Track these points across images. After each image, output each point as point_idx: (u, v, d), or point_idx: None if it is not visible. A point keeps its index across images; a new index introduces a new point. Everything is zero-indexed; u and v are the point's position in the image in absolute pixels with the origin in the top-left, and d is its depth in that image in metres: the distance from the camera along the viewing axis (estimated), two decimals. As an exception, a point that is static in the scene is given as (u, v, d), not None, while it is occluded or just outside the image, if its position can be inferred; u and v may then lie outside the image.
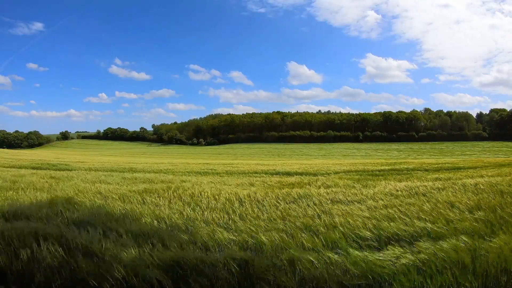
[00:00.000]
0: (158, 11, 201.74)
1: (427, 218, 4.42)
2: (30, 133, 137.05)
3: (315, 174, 12.55)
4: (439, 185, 7.69)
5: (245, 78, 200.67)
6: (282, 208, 5.46)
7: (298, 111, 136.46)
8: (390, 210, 4.98)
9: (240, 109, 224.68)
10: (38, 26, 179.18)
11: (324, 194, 6.72)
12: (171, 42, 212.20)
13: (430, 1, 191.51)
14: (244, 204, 5.78)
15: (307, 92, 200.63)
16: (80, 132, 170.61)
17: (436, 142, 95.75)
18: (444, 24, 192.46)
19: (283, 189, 7.61)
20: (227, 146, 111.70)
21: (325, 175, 11.97)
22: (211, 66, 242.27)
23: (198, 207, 5.59)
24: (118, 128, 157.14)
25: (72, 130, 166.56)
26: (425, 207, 5.16)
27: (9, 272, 3.05)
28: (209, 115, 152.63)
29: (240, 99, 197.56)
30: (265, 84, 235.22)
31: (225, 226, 4.39)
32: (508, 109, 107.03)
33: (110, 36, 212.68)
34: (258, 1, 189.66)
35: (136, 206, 5.70)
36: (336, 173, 13.11)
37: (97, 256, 3.25)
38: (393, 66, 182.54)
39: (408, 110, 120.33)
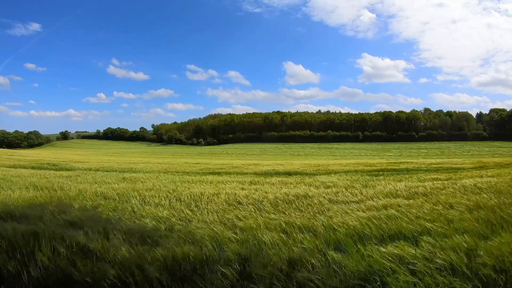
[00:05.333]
0: (154, 12, 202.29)
1: (427, 218, 4.42)
2: (30, 133, 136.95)
3: (314, 174, 12.54)
4: (439, 185, 7.69)
5: (242, 78, 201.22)
6: (281, 208, 5.45)
7: (298, 111, 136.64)
8: (390, 210, 4.98)
9: (238, 109, 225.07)
10: (36, 26, 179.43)
11: (324, 194, 6.72)
12: (168, 42, 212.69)
13: (425, 1, 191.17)
14: (243, 204, 5.78)
15: (305, 92, 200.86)
16: (80, 132, 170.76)
17: (436, 142, 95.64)
18: (440, 23, 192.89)
19: (283, 189, 7.61)
20: (226, 146, 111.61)
21: (325, 175, 11.96)
22: (208, 66, 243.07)
23: (198, 207, 5.59)
24: (118, 128, 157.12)
25: (72, 130, 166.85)
26: (425, 207, 5.16)
27: (7, 272, 3.04)
28: (209, 115, 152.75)
29: (238, 99, 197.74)
30: (262, 84, 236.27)
31: (225, 226, 4.38)
32: (508, 109, 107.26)
33: (107, 37, 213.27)
34: (253, 1, 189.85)
35: (136, 206, 5.70)
36: (336, 173, 13.10)
37: (95, 255, 3.25)
38: (390, 66, 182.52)
39: (406, 110, 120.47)
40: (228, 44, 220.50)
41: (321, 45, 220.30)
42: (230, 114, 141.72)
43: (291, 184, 8.80)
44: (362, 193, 6.77)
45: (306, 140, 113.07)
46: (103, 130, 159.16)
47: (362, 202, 5.93)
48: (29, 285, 2.87)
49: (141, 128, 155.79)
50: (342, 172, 13.50)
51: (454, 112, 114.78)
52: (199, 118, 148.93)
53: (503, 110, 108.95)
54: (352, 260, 3.06)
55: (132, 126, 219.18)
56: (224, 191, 7.13)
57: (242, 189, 7.75)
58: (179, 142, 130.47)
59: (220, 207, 5.60)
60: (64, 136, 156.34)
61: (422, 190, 6.98)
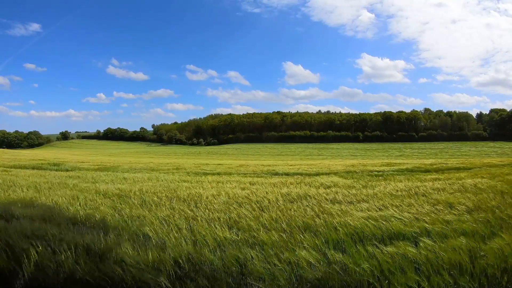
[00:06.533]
0: (154, 12, 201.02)
1: (426, 219, 4.42)
2: (30, 133, 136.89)
3: (314, 174, 12.55)
4: (439, 186, 7.70)
5: (242, 78, 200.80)
6: (281, 208, 5.46)
7: (298, 111, 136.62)
8: (390, 210, 4.99)
9: (238, 109, 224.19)
10: (35, 27, 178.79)
11: (324, 194, 6.72)
12: (167, 42, 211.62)
13: (424, 1, 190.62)
14: (243, 204, 5.79)
15: (305, 92, 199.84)
16: (80, 132, 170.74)
17: (436, 142, 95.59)
18: (440, 23, 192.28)
19: (283, 189, 7.61)
20: (226, 146, 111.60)
21: (325, 175, 11.97)
22: (207, 66, 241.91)
23: (198, 207, 5.59)
24: (118, 128, 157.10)
25: (72, 130, 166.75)
26: (425, 208, 5.17)
27: (8, 272, 3.05)
28: (209, 115, 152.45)
29: (238, 99, 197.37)
30: (262, 84, 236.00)
31: (226, 226, 4.39)
32: (508, 109, 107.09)
33: (106, 37, 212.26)
34: (252, 1, 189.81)
35: (136, 206, 5.71)
36: (336, 173, 13.11)
37: (97, 255, 3.25)
38: (390, 66, 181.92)
39: (406, 110, 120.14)
40: (227, 44, 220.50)
41: (320, 45, 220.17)
42: (230, 114, 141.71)
43: (291, 184, 8.80)
44: (362, 193, 6.78)
45: (306, 140, 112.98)
46: (103, 130, 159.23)
47: (362, 202, 5.94)
48: (28, 284, 2.87)
49: (141, 128, 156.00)
50: (342, 172, 13.51)
51: (454, 112, 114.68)
52: (199, 118, 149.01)
53: (503, 110, 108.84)
54: (354, 260, 3.06)
55: (132, 126, 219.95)
56: (224, 191, 7.14)
57: (243, 189, 7.75)
58: (179, 142, 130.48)
59: (221, 207, 5.61)
60: (64, 136, 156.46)
61: (422, 190, 6.99)
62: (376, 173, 12.83)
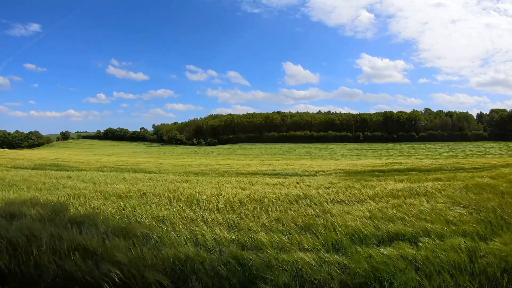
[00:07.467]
0: (153, 12, 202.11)
1: (427, 219, 4.42)
2: (30, 133, 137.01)
3: (315, 175, 12.54)
4: (439, 186, 7.68)
5: (242, 78, 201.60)
6: (281, 208, 5.46)
7: (298, 111, 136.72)
8: (390, 211, 4.98)
9: (238, 109, 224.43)
10: (35, 27, 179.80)
11: (324, 194, 6.72)
12: (167, 42, 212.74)
13: (424, 1, 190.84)
14: (243, 204, 5.78)
15: (305, 92, 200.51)
16: (80, 132, 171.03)
17: (437, 143, 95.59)
18: (440, 23, 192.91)
19: (283, 189, 7.60)
20: (227, 146, 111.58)
21: (325, 176, 11.96)
22: (207, 66, 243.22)
23: (198, 207, 5.59)
24: (118, 128, 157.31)
25: (72, 130, 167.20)
26: (425, 208, 5.15)
27: (9, 272, 3.04)
28: (209, 115, 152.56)
29: (238, 99, 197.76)
30: (262, 84, 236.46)
31: (225, 226, 4.39)
32: (508, 109, 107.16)
33: (106, 37, 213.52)
34: (252, 1, 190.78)
35: (136, 207, 5.70)
36: (336, 173, 13.10)
37: (96, 255, 3.25)
38: (389, 66, 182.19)
39: (406, 110, 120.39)
40: (227, 45, 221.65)
41: (320, 45, 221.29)
42: (230, 114, 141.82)
43: (291, 184, 8.79)
44: (362, 194, 6.76)
45: (306, 140, 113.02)
46: (104, 131, 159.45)
47: (362, 202, 5.93)
48: (32, 285, 2.87)
49: (142, 128, 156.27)
50: (342, 172, 13.50)
51: (455, 112, 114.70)
52: (200, 119, 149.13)
53: (504, 110, 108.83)
54: (353, 260, 3.06)
55: (132, 126, 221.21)
56: (224, 191, 7.13)
57: (243, 189, 7.74)
58: (179, 142, 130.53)
59: (221, 207, 5.60)
60: (65, 136, 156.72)
61: (423, 191, 6.98)
62: (376, 173, 12.82)
